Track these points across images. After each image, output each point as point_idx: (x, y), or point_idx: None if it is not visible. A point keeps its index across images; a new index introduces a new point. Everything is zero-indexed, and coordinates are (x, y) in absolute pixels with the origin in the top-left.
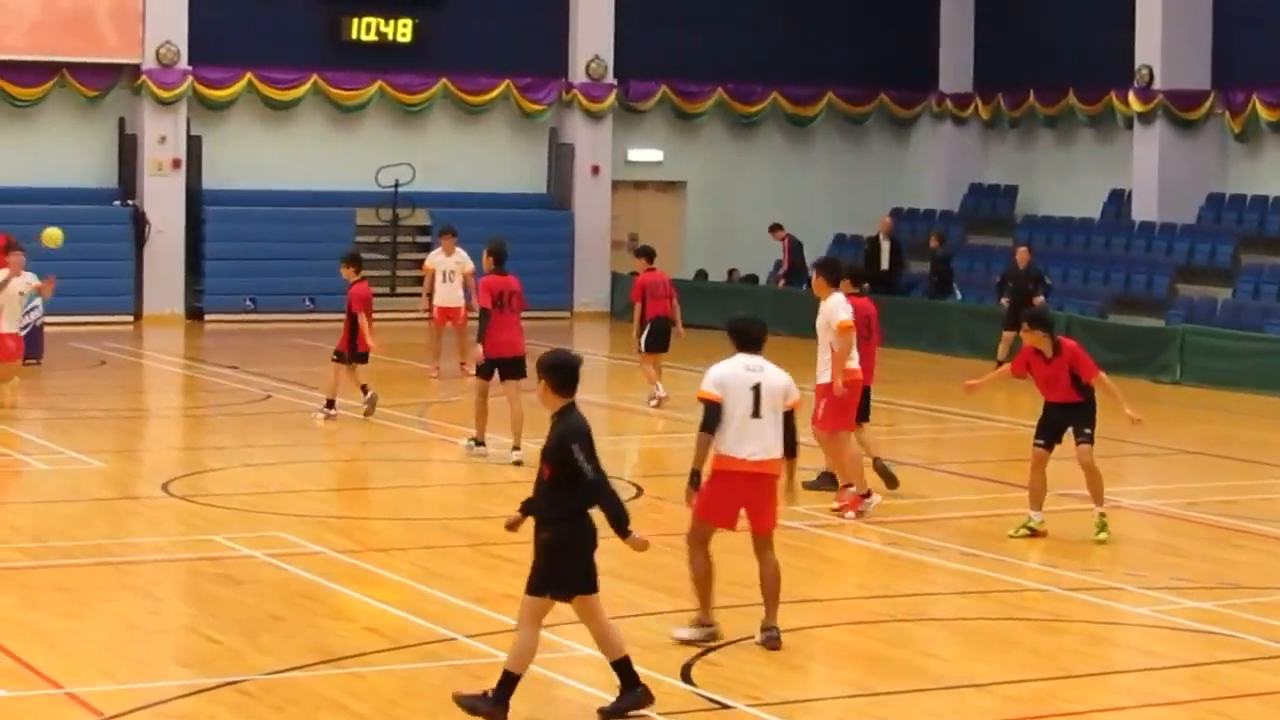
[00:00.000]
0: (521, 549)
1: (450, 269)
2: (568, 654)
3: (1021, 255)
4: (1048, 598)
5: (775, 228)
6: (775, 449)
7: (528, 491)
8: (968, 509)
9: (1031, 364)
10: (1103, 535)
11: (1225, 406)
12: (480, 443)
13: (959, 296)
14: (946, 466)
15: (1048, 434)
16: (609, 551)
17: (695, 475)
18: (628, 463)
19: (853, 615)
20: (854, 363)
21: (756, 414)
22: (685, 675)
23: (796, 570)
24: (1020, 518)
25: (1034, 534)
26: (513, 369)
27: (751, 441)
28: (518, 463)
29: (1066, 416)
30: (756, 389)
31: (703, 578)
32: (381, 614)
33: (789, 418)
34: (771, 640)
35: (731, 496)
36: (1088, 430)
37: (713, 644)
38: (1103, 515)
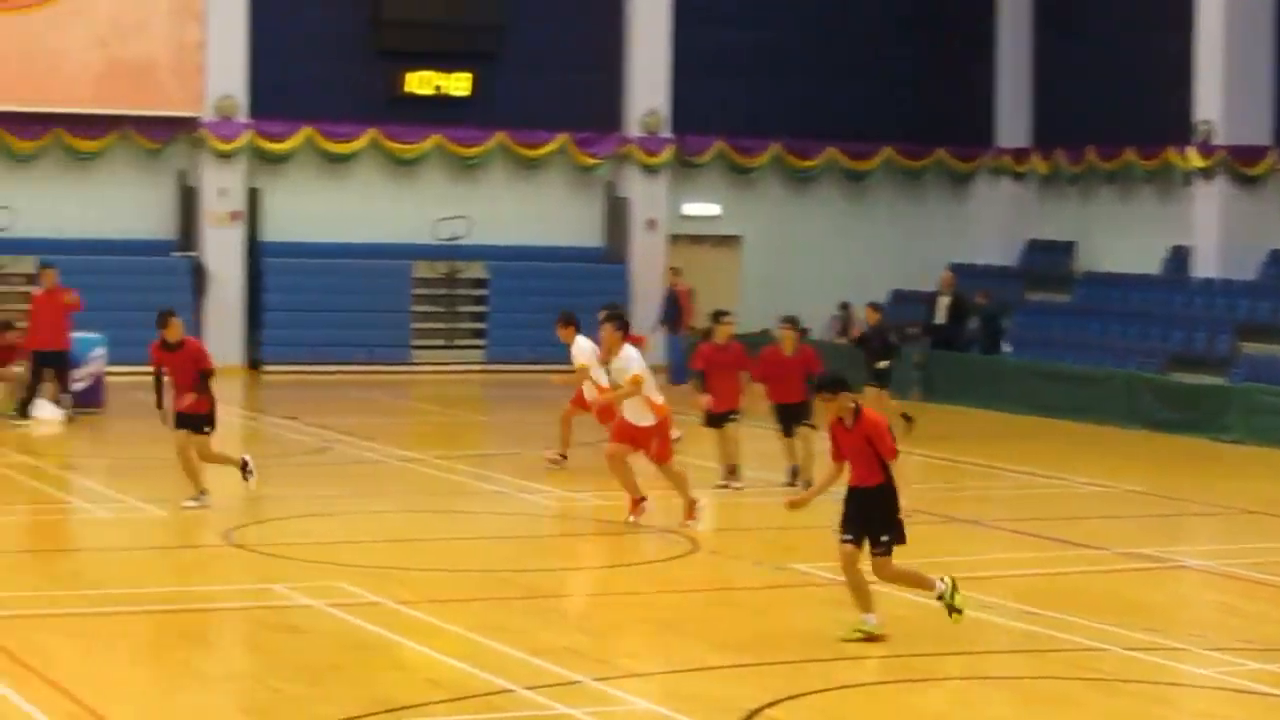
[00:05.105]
0: (578, 602)
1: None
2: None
3: (870, 315)
4: (1109, 657)
5: (674, 270)
6: None
7: (576, 545)
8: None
9: (835, 434)
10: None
11: None
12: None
13: (1005, 350)
14: (1001, 524)
15: (854, 527)
16: None
17: None
18: None
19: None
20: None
21: None
22: None
23: None
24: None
25: (871, 638)
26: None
27: None
28: None
29: (866, 504)
30: None
31: None
32: (441, 665)
33: None
34: None
35: None
36: (885, 538)
37: None
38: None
